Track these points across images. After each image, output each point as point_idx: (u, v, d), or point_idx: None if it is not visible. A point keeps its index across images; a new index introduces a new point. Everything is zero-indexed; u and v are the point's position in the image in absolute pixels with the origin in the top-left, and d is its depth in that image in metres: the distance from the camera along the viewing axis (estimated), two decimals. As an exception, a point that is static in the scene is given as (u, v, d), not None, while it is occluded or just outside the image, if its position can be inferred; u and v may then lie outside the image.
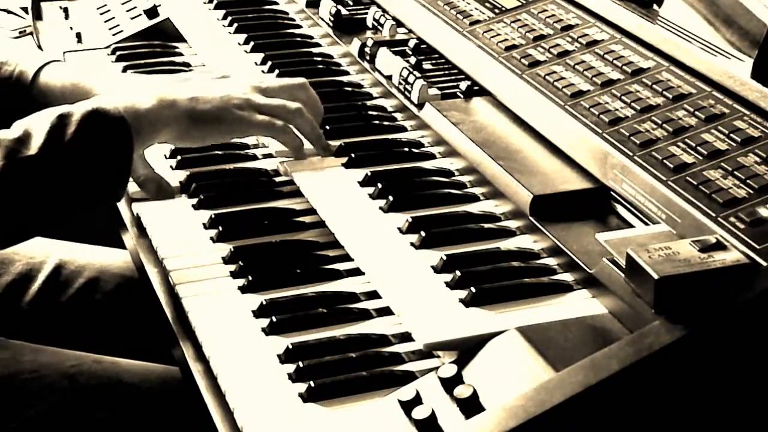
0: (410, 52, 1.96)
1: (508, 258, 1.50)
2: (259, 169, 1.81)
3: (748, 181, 1.40)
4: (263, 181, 1.78)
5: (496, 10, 1.93)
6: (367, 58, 1.99)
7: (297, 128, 1.73)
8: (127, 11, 2.38)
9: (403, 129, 1.86)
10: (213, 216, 1.68)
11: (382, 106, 1.93)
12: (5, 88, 1.89)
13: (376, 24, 2.08)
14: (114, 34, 2.32)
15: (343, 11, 2.13)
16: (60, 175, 1.54)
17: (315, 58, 2.10)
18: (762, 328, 1.27)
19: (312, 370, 1.36)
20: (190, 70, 2.17)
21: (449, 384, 1.26)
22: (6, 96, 1.89)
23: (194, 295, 1.52)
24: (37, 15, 2.46)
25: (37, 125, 1.55)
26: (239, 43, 2.18)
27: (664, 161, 1.47)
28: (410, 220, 1.57)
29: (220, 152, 1.85)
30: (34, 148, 1.52)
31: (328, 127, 1.82)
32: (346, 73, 2.05)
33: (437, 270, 1.47)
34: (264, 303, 1.48)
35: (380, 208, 1.62)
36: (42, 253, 2.07)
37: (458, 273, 1.44)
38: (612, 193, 1.52)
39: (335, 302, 1.50)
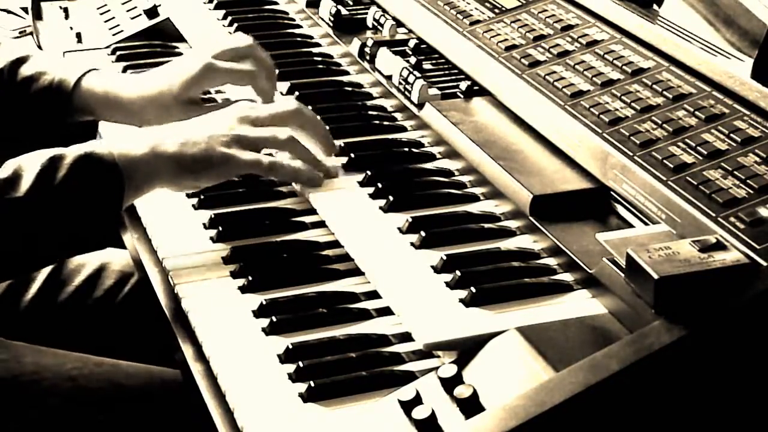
0: (410, 52, 1.96)
1: (508, 258, 1.50)
2: (259, 169, 1.80)
3: (748, 181, 1.40)
4: (263, 181, 1.78)
5: (496, 10, 1.93)
6: (367, 58, 1.99)
7: (293, 156, 1.67)
8: (127, 11, 2.38)
9: (403, 129, 1.86)
10: (213, 216, 1.68)
11: (382, 106, 1.93)
12: (46, 95, 1.88)
13: (376, 24, 2.08)
14: (114, 34, 2.32)
15: (343, 11, 2.13)
16: (46, 218, 1.52)
17: (315, 58, 2.10)
18: (762, 328, 1.27)
19: (312, 370, 1.36)
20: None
21: (449, 384, 1.26)
22: (47, 104, 1.88)
23: (194, 295, 1.52)
24: (37, 15, 2.46)
25: (27, 166, 1.52)
26: (239, 44, 2.17)
27: (664, 161, 1.47)
28: (410, 220, 1.57)
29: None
30: (22, 190, 1.50)
31: (328, 127, 1.81)
32: (346, 73, 2.05)
33: (437, 270, 1.47)
34: (264, 303, 1.48)
35: (380, 208, 1.62)
36: None
37: (458, 273, 1.44)
38: (612, 193, 1.52)
39: (335, 302, 1.50)
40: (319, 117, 1.75)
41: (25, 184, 1.50)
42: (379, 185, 1.65)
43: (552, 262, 1.49)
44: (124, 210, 1.75)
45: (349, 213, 1.62)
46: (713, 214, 1.37)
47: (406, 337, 1.42)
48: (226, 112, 1.69)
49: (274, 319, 1.45)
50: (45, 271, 2.05)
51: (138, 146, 1.59)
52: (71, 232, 1.55)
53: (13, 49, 2.01)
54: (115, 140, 1.62)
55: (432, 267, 1.48)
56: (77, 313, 2.02)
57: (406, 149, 1.79)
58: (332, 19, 2.13)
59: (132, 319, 2.00)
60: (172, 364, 1.65)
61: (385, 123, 1.87)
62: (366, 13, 2.13)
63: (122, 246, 1.82)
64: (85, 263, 2.08)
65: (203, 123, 1.66)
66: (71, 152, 1.55)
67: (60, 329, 1.99)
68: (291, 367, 1.37)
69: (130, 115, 1.86)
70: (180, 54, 2.26)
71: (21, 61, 1.93)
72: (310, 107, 1.84)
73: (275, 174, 1.66)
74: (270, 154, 1.66)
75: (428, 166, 1.74)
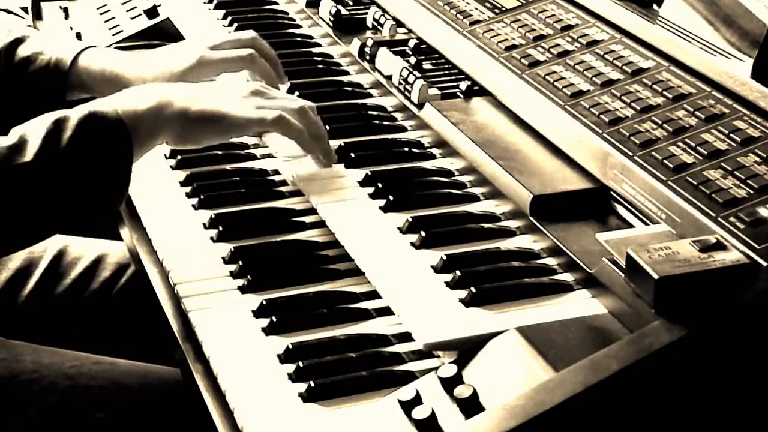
0: (410, 52, 1.96)
1: (508, 258, 1.50)
2: (259, 169, 1.81)
3: (748, 181, 1.40)
4: (263, 181, 1.78)
5: (496, 10, 1.93)
6: (367, 58, 1.99)
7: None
8: (127, 11, 2.38)
9: (403, 129, 1.86)
10: (213, 216, 1.68)
11: (382, 106, 1.93)
12: (44, 75, 1.88)
13: (376, 24, 2.08)
14: (114, 34, 2.32)
15: (343, 11, 2.13)
16: (57, 181, 1.51)
17: (315, 58, 2.10)
18: (762, 328, 1.27)
19: (312, 370, 1.36)
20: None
21: (449, 384, 1.26)
22: (44, 84, 1.88)
23: (194, 295, 1.52)
24: (37, 15, 2.46)
25: (33, 131, 1.52)
26: (239, 43, 2.18)
27: (664, 161, 1.47)
28: (410, 220, 1.57)
29: (220, 152, 1.85)
30: (29, 154, 1.49)
31: (328, 127, 1.81)
32: (346, 73, 2.05)
33: (437, 270, 1.47)
34: (264, 303, 1.48)
35: (380, 208, 1.62)
36: (41, 245, 2.06)
37: (458, 273, 1.44)
38: (612, 193, 1.52)
39: (335, 302, 1.50)
40: (320, 121, 1.75)
41: (32, 148, 1.50)
42: (379, 185, 1.65)
43: (552, 262, 1.49)
44: (124, 208, 1.76)
45: (349, 213, 1.62)
46: (713, 214, 1.37)
47: (406, 337, 1.42)
48: (238, 83, 1.71)
49: (274, 319, 1.45)
50: (43, 265, 2.05)
51: (143, 101, 1.60)
52: (82, 193, 1.54)
53: (11, 29, 2.01)
54: (119, 97, 1.62)
55: (432, 267, 1.48)
56: (74, 305, 2.02)
57: (406, 149, 1.79)
58: (332, 19, 2.13)
59: (128, 311, 2.00)
60: (170, 361, 1.65)
61: (385, 123, 1.87)
62: (366, 13, 2.13)
63: (118, 238, 1.82)
64: (81, 256, 2.08)
65: (214, 86, 1.69)
66: (75, 113, 1.55)
67: (58, 321, 1.99)
68: (291, 367, 1.37)
69: None
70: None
71: (18, 41, 1.93)
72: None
73: (282, 128, 1.65)
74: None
75: (428, 166, 1.74)
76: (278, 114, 1.64)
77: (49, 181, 1.51)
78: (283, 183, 1.76)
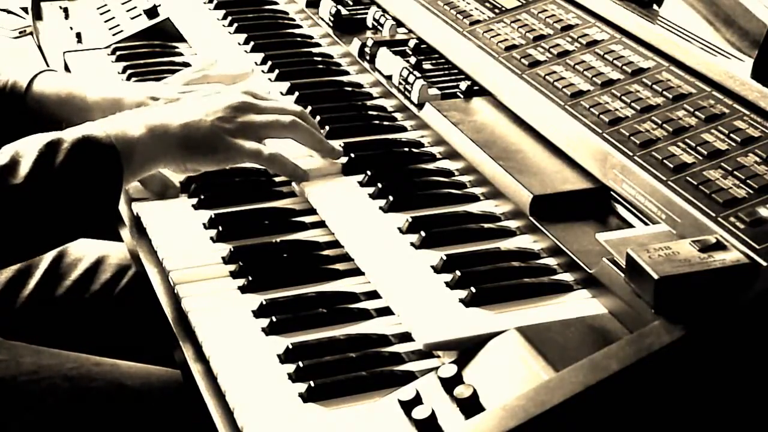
0: (410, 52, 1.96)
1: (508, 258, 1.50)
2: (259, 169, 1.80)
3: (748, 181, 1.40)
4: (263, 181, 1.78)
5: (496, 10, 1.93)
6: (367, 58, 1.99)
7: (297, 141, 1.70)
8: (127, 11, 2.38)
9: (403, 129, 1.86)
10: (213, 216, 1.68)
11: (382, 106, 1.93)
12: (1, 99, 1.87)
13: (376, 24, 2.08)
14: (114, 34, 2.32)
15: (343, 11, 2.13)
16: (47, 203, 1.51)
17: (315, 58, 2.10)
18: (762, 328, 1.27)
19: (312, 370, 1.36)
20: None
21: (449, 384, 1.26)
22: (2, 108, 1.88)
23: (194, 295, 1.52)
24: (37, 15, 2.46)
25: (25, 152, 1.52)
26: (239, 43, 2.18)
27: (664, 161, 1.47)
28: (410, 220, 1.57)
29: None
30: (20, 176, 1.49)
31: (328, 127, 1.82)
32: (346, 73, 2.05)
33: (437, 270, 1.47)
34: (264, 303, 1.48)
35: (380, 208, 1.62)
36: None
37: (458, 273, 1.44)
38: (612, 193, 1.52)
39: (335, 302, 1.50)
40: (318, 118, 1.75)
41: (23, 170, 1.50)
42: (379, 185, 1.65)
43: (552, 262, 1.49)
44: (125, 208, 1.75)
45: (349, 213, 1.62)
46: (713, 214, 1.37)
47: (406, 337, 1.42)
48: (227, 96, 1.69)
49: (274, 319, 1.45)
50: (43, 266, 2.05)
51: (135, 127, 1.59)
52: (71, 216, 1.54)
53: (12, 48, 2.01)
54: (110, 121, 1.61)
55: (432, 267, 1.48)
56: (75, 306, 2.02)
57: (406, 149, 1.79)
58: (332, 19, 2.13)
59: (130, 313, 2.00)
60: (171, 364, 1.65)
61: (385, 123, 1.87)
62: (366, 13, 2.13)
63: (119, 239, 1.82)
64: (82, 257, 2.08)
65: (205, 105, 1.67)
66: (68, 136, 1.54)
67: (58, 323, 1.99)
68: (291, 367, 1.37)
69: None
70: (180, 54, 2.26)
71: None
72: (310, 107, 1.85)
73: (274, 166, 1.67)
74: None
75: (428, 166, 1.74)
76: (274, 153, 1.66)
77: (38, 203, 1.51)
78: (283, 183, 1.76)
